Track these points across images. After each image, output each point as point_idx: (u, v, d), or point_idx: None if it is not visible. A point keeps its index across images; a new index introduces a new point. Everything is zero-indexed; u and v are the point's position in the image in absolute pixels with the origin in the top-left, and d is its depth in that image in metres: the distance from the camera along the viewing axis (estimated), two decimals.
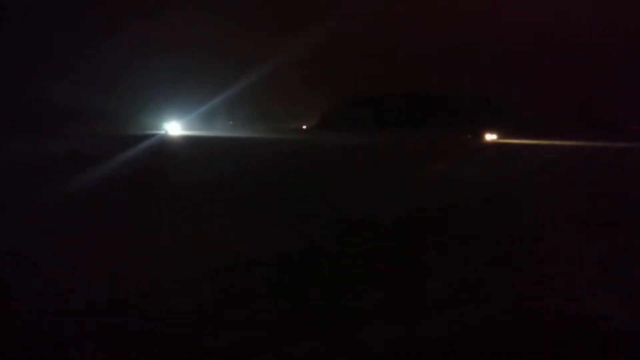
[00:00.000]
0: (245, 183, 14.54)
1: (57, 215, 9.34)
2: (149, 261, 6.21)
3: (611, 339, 4.09)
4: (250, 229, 8.15)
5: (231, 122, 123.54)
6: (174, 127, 67.96)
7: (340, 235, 7.75)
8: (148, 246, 6.96)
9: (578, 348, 3.93)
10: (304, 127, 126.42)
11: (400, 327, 4.24)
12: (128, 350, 3.82)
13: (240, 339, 3.99)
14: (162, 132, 65.92)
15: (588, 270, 5.98)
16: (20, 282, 5.43)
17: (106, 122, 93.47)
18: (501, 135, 57.75)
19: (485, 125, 62.67)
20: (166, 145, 36.36)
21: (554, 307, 4.71)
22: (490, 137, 55.63)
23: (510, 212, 10.01)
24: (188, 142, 41.92)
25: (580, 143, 42.93)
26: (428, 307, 4.72)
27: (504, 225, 8.72)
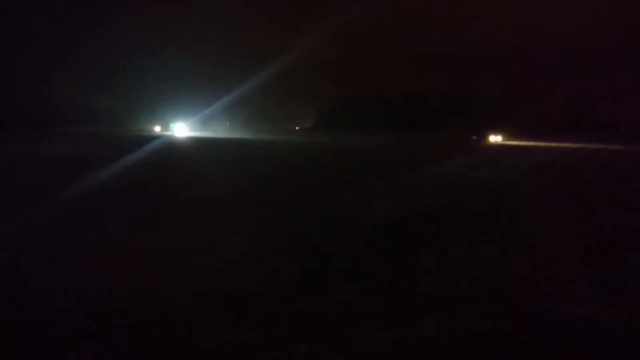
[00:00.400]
0: (241, 184, 14.65)
1: (57, 216, 9.50)
2: (146, 262, 6.34)
3: (610, 340, 4.18)
4: (246, 229, 8.29)
5: (228, 123, 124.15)
6: (180, 128, 67.87)
7: (337, 235, 7.87)
8: (146, 247, 7.09)
9: (577, 348, 4.02)
10: (297, 128, 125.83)
11: (398, 328, 4.33)
12: (128, 350, 3.93)
13: (236, 339, 4.08)
14: (169, 133, 66.15)
15: (587, 270, 6.08)
16: (20, 283, 5.55)
17: (104, 122, 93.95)
18: (506, 136, 57.84)
19: (490, 127, 62.76)
20: (171, 146, 36.48)
21: (552, 308, 4.81)
22: (494, 138, 55.69)
23: (510, 213, 10.12)
24: (192, 143, 42.08)
25: (581, 145, 43.14)
26: (426, 308, 4.82)
27: (503, 226, 8.84)
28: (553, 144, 44.64)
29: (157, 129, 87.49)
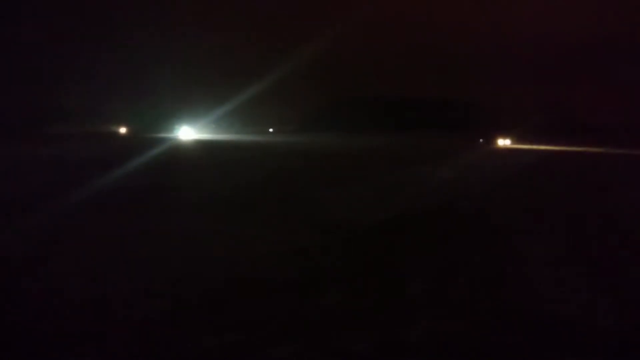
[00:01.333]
0: (227, 186, 14.75)
1: (58, 215, 9.70)
2: (139, 266, 6.44)
3: (607, 340, 4.29)
4: (233, 232, 8.42)
5: (213, 125, 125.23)
6: (185, 132, 68.33)
7: (327, 237, 8.00)
8: (142, 247, 7.26)
9: (574, 348, 4.12)
10: (270, 130, 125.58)
11: (391, 329, 4.44)
12: (127, 350, 4.03)
13: (224, 342, 4.16)
14: (174, 136, 66.71)
15: (584, 271, 6.25)
16: (19, 284, 5.67)
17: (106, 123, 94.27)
18: (515, 140, 58.18)
19: (498, 131, 63.13)
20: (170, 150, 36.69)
21: (549, 308, 4.95)
22: (503, 142, 56.01)
23: (509, 214, 10.32)
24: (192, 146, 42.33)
25: (585, 149, 43.53)
26: (419, 309, 4.93)
27: (502, 226, 9.02)
28: (562, 148, 44.91)
29: (122, 130, 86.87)
